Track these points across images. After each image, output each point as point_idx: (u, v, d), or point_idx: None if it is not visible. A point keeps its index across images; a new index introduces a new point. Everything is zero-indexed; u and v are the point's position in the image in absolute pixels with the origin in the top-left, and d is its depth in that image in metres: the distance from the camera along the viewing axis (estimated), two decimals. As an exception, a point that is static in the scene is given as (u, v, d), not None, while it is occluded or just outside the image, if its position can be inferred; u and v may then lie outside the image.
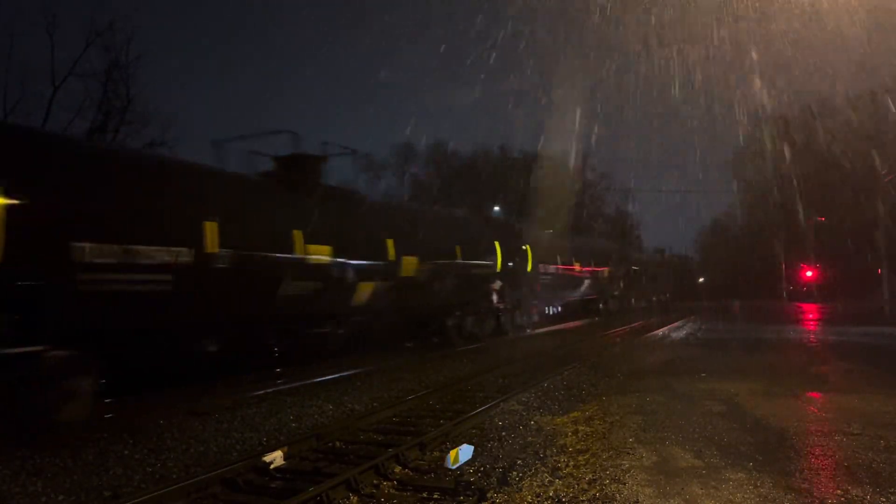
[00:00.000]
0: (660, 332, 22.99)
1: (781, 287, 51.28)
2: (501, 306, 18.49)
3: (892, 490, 5.35)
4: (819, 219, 40.46)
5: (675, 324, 26.71)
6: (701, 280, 69.81)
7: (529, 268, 20.50)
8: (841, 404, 9.02)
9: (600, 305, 31.24)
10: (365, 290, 12.64)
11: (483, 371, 12.75)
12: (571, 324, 26.17)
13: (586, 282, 28.30)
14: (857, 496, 5.23)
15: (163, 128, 28.85)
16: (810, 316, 31.35)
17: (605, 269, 30.79)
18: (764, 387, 10.32)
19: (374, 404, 9.65)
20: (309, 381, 11.28)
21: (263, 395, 10.17)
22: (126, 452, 6.99)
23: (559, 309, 27.09)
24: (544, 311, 24.89)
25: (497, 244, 18.11)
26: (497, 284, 18.07)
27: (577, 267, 26.60)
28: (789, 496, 5.25)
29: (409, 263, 13.68)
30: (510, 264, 18.81)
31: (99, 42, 25.49)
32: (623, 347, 17.55)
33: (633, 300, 37.40)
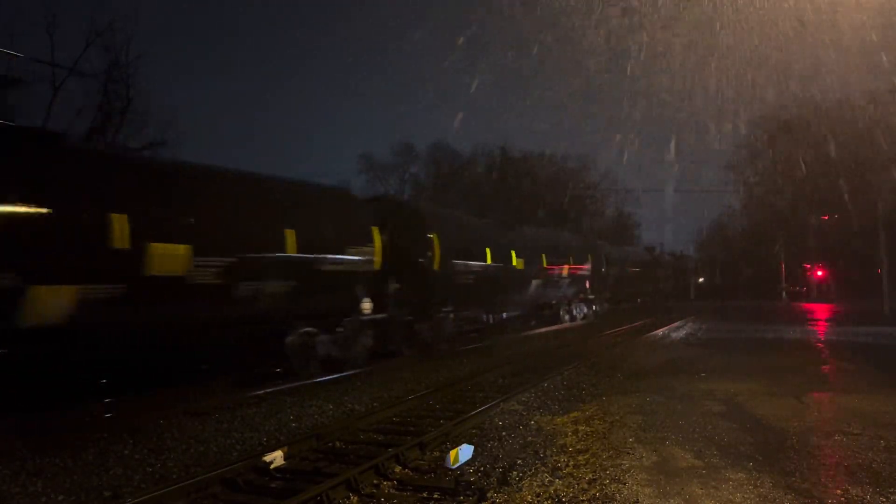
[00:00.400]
0: (660, 332, 22.98)
1: (781, 287, 51.32)
2: (383, 318, 13.58)
3: (892, 490, 5.35)
4: (822, 218, 40.39)
5: (675, 324, 26.70)
6: (700, 280, 69.75)
7: (437, 264, 15.34)
8: (841, 404, 9.03)
9: (560, 312, 25.92)
10: (53, 299, 7.66)
11: (483, 371, 12.75)
12: (570, 324, 26.14)
13: (535, 283, 22.26)
14: (857, 496, 5.24)
15: (163, 128, 28.86)
16: (810, 316, 31.34)
17: (565, 268, 24.99)
18: (764, 387, 10.32)
19: (374, 404, 9.66)
20: (309, 382, 11.28)
21: (263, 395, 10.17)
22: (126, 452, 7.00)
23: (504, 316, 21.36)
24: (482, 319, 19.43)
25: (376, 231, 13.13)
26: (388, 287, 13.86)
27: (520, 264, 20.56)
28: (789, 496, 5.25)
29: (168, 255, 8.80)
30: (403, 259, 14.23)
31: (99, 42, 25.53)
32: (623, 348, 17.54)
33: (607, 304, 31.78)
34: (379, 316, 13.44)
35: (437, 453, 6.92)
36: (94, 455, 6.86)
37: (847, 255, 40.50)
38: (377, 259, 13.07)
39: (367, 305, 13.02)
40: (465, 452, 6.52)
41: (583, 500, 5.30)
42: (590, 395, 10.18)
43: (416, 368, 13.16)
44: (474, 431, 7.85)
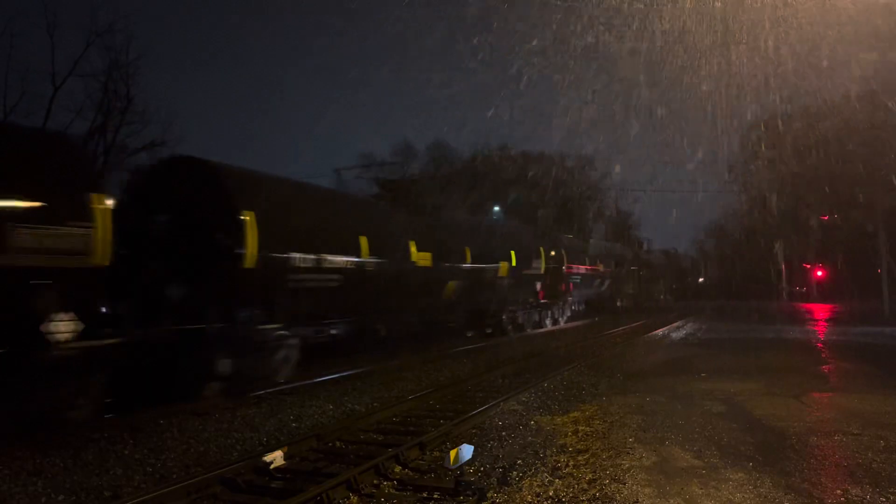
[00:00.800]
0: (659, 332, 23.00)
1: (781, 287, 51.34)
2: (113, 344, 8.57)
3: (892, 490, 5.35)
4: (822, 218, 40.38)
5: (675, 324, 26.72)
6: (701, 280, 69.79)
7: (253, 260, 10.10)
8: (841, 404, 9.03)
9: (503, 319, 20.54)
10: None
11: (483, 371, 12.76)
12: (571, 324, 26.14)
13: (453, 285, 17.00)
14: (857, 496, 5.24)
15: (163, 128, 28.93)
16: (809, 316, 31.37)
17: (503, 265, 19.65)
18: (764, 387, 10.33)
19: (375, 404, 9.66)
20: (309, 381, 11.29)
21: (263, 395, 10.17)
22: (126, 452, 7.00)
23: (410, 332, 15.81)
24: (372, 334, 14.11)
25: (100, 202, 8.20)
26: (146, 293, 9.52)
27: (424, 260, 15.29)
28: (789, 496, 5.25)
29: None
30: (180, 250, 9.84)
31: (99, 42, 25.55)
32: (622, 348, 17.55)
33: (570, 311, 27.10)
34: (105, 342, 8.53)
35: (437, 453, 6.92)
36: (94, 455, 6.86)
37: (847, 255, 40.49)
38: (99, 248, 8.16)
39: (62, 326, 7.88)
40: (465, 452, 6.51)
41: (583, 500, 5.30)
42: (589, 395, 10.18)
43: (417, 369, 13.15)
44: (474, 431, 7.85)
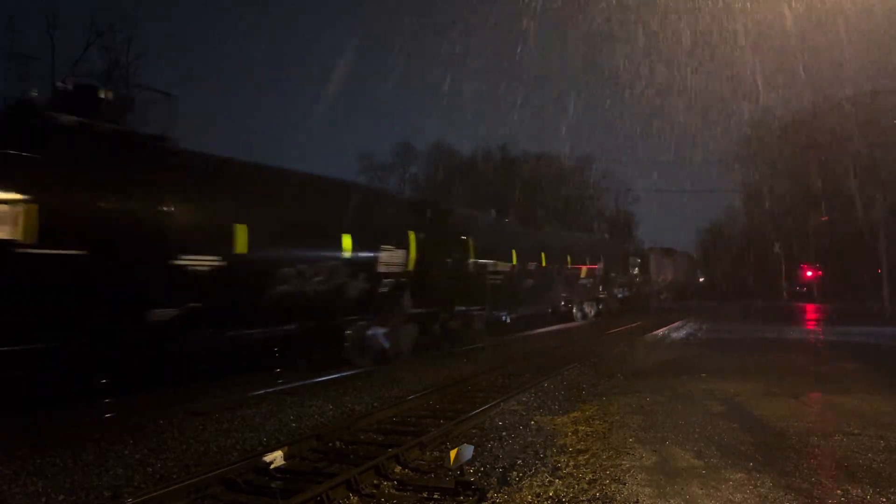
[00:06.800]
0: (660, 332, 22.97)
1: (781, 287, 51.32)
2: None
3: (892, 490, 5.35)
4: (822, 219, 40.36)
5: (675, 324, 26.69)
6: (701, 280, 69.74)
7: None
8: (841, 404, 9.02)
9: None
10: None
11: (483, 371, 12.75)
12: (570, 325, 26.12)
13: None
14: (857, 496, 5.24)
15: (163, 128, 28.86)
16: (810, 316, 31.34)
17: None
18: (764, 387, 10.32)
19: (375, 404, 9.65)
20: (309, 381, 11.29)
21: (263, 395, 10.17)
22: (126, 452, 7.00)
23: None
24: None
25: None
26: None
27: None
28: (789, 496, 5.25)
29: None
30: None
31: (99, 42, 25.58)
32: (623, 348, 17.53)
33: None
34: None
35: (437, 453, 6.92)
36: (94, 455, 6.86)
37: (847, 255, 40.51)
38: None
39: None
40: (465, 452, 6.50)
41: (583, 501, 5.30)
42: (590, 395, 10.18)
43: (417, 369, 13.16)
44: (474, 431, 7.85)
